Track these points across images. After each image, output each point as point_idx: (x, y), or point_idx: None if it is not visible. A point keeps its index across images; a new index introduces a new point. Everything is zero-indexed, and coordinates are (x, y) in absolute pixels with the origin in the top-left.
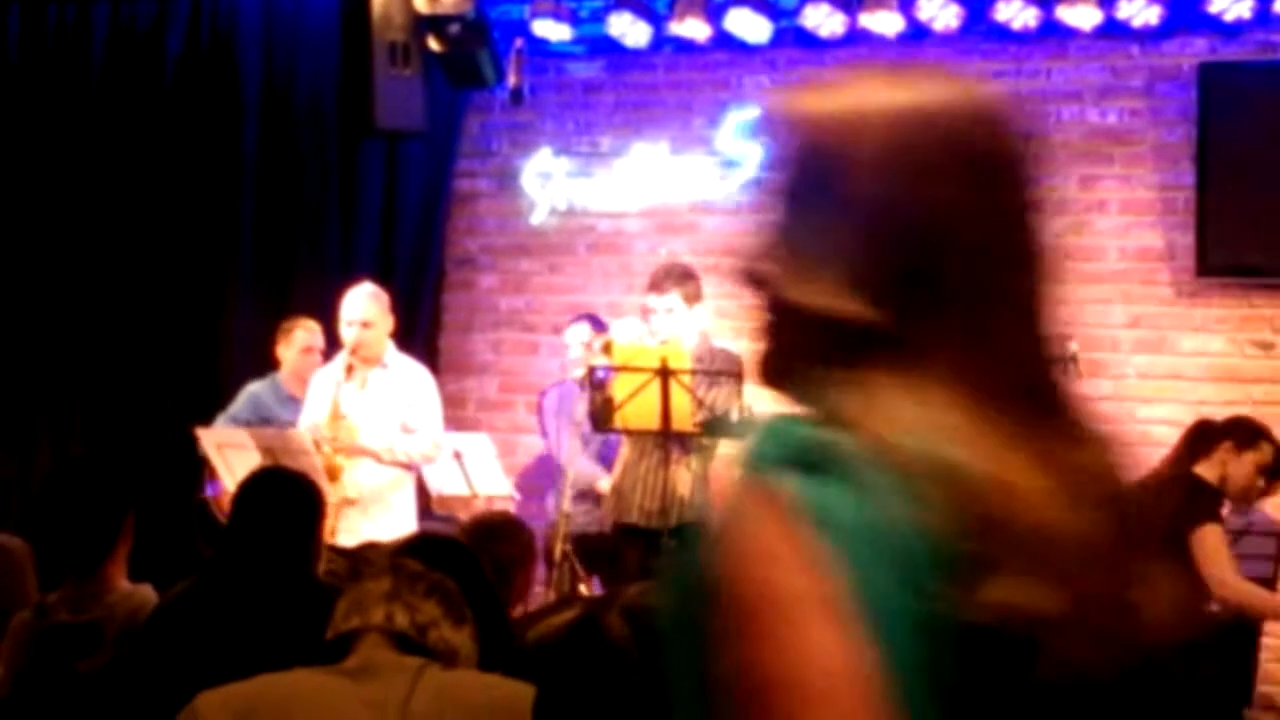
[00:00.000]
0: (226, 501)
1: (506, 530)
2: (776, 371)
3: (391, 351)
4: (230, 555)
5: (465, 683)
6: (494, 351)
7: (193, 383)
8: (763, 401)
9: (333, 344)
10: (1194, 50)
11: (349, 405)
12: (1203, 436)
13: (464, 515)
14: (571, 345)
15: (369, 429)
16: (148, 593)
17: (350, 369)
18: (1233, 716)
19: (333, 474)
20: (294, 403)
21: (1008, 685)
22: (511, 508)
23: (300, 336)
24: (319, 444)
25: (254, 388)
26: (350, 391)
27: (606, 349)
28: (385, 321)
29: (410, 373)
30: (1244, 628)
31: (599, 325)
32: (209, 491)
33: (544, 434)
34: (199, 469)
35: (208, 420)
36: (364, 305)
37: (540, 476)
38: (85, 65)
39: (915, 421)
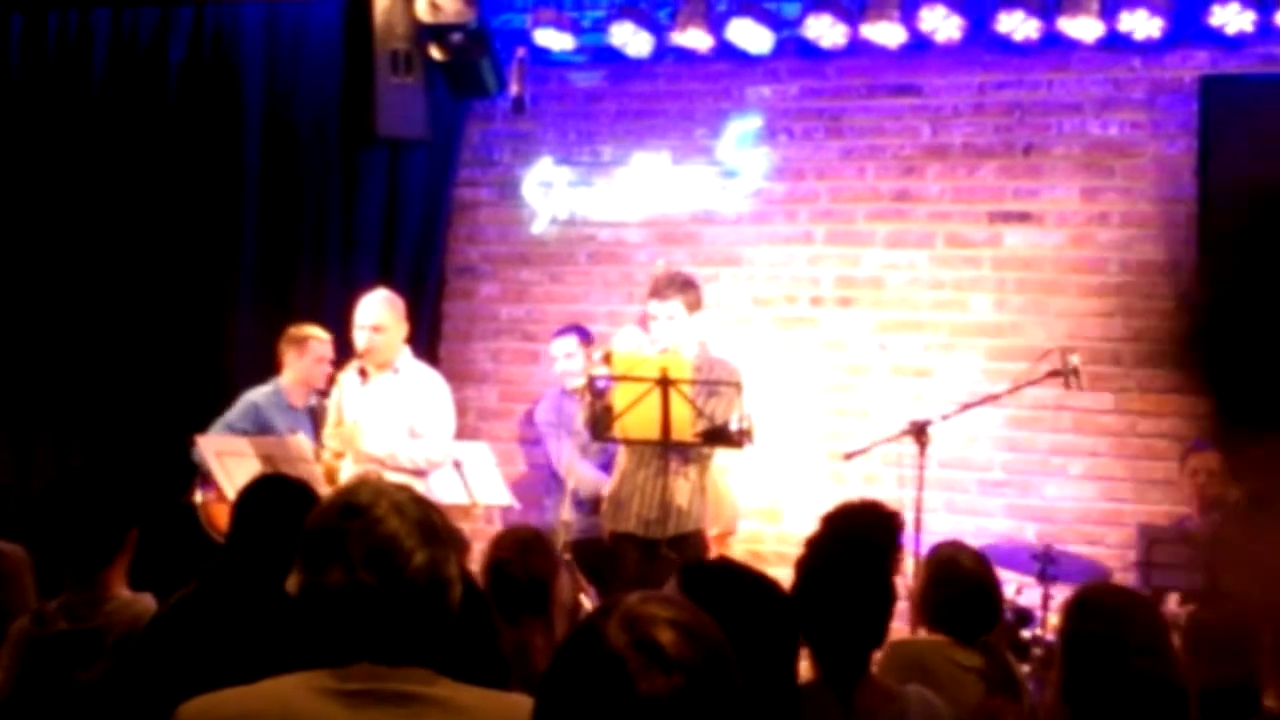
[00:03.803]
0: (215, 507)
1: (539, 544)
2: None
3: (405, 357)
4: (229, 563)
5: (466, 705)
6: (494, 360)
7: (194, 390)
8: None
9: (343, 349)
10: (1195, 63)
11: (356, 409)
12: None
13: (464, 524)
14: (557, 357)
15: (372, 433)
16: (148, 601)
17: (363, 374)
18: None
19: (330, 476)
20: (293, 413)
21: None
22: (512, 516)
23: (314, 347)
24: (318, 451)
25: (254, 397)
26: (358, 396)
27: (607, 359)
28: (398, 327)
29: (421, 378)
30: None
31: (586, 337)
32: (198, 496)
33: (536, 443)
34: (192, 474)
35: (205, 427)
36: (376, 310)
37: (538, 485)
38: (86, 75)
39: None
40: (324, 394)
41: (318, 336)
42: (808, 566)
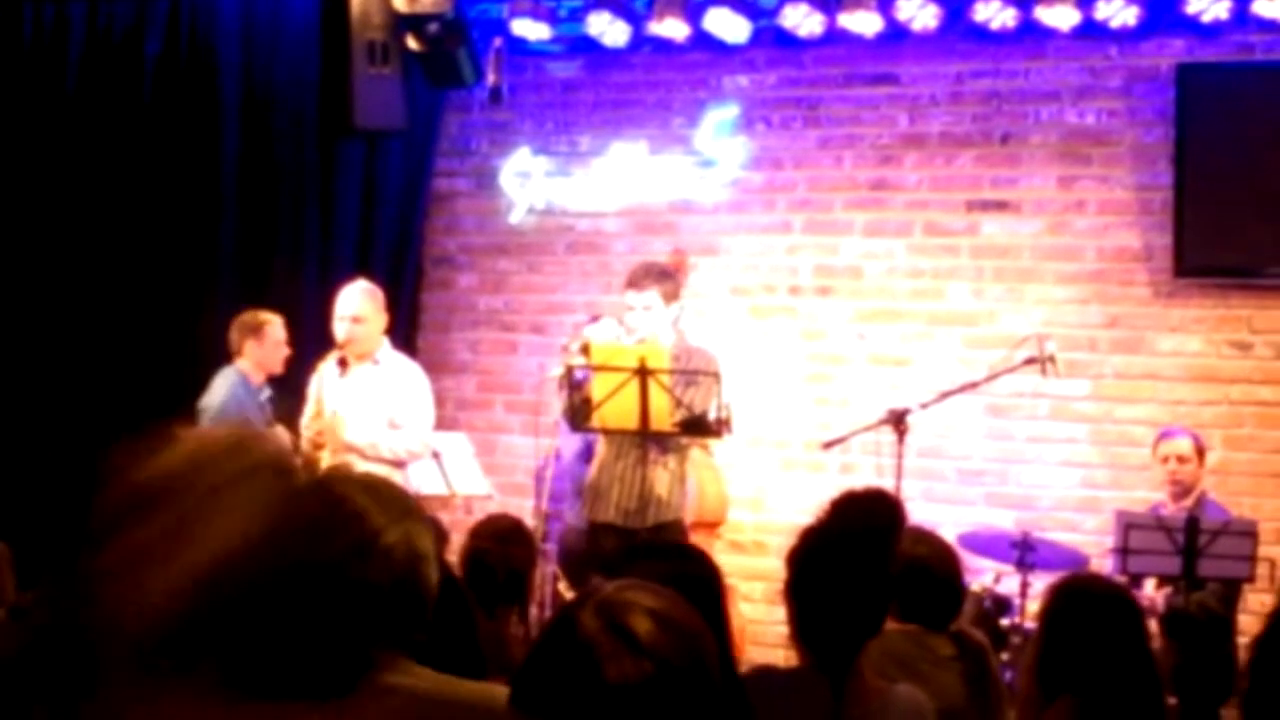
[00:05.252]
0: None
1: (520, 534)
2: None
3: (385, 348)
4: None
5: (441, 693)
6: (472, 351)
7: (171, 383)
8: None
9: (321, 340)
10: (1172, 51)
11: (336, 400)
12: None
13: (443, 515)
14: None
15: (353, 424)
16: None
17: (343, 364)
18: (1210, 713)
19: (310, 467)
20: (259, 398)
21: None
22: (490, 507)
23: (271, 331)
24: (296, 442)
25: (233, 387)
26: (338, 386)
27: (585, 349)
28: (378, 318)
29: (401, 370)
30: (1217, 620)
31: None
32: None
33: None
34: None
35: (184, 419)
36: (357, 301)
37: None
38: (62, 66)
39: None
40: (277, 382)
41: (271, 320)
42: (806, 550)
